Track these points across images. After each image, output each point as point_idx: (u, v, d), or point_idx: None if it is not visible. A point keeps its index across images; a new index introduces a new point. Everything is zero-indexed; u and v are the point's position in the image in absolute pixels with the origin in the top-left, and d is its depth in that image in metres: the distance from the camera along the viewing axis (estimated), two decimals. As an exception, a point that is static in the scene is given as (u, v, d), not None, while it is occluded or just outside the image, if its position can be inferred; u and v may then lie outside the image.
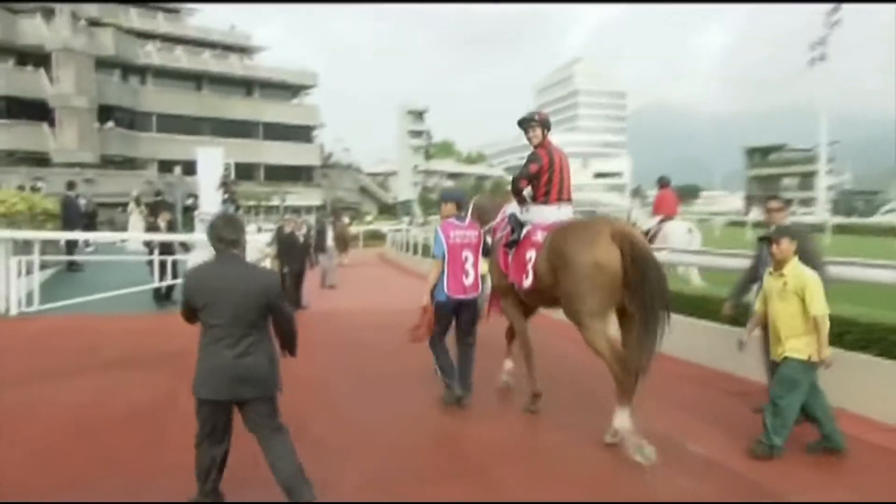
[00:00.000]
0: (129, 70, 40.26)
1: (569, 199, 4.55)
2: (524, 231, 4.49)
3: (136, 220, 16.41)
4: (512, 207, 4.83)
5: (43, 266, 9.64)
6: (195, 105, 42.14)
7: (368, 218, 37.93)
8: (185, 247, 10.22)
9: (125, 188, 24.99)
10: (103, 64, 37.16)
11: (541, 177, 4.47)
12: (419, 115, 64.58)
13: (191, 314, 2.94)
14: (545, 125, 4.58)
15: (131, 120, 39.67)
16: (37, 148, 34.56)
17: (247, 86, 45.82)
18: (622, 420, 3.73)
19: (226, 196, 13.11)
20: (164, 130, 40.56)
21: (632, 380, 3.73)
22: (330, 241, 13.79)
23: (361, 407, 4.74)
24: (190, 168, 32.13)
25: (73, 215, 11.75)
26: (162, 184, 31.95)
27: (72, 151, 34.37)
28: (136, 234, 13.58)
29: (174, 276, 9.42)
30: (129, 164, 38.40)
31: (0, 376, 5.44)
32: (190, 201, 18.82)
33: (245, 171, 36.84)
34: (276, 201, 35.64)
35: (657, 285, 3.63)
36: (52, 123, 34.72)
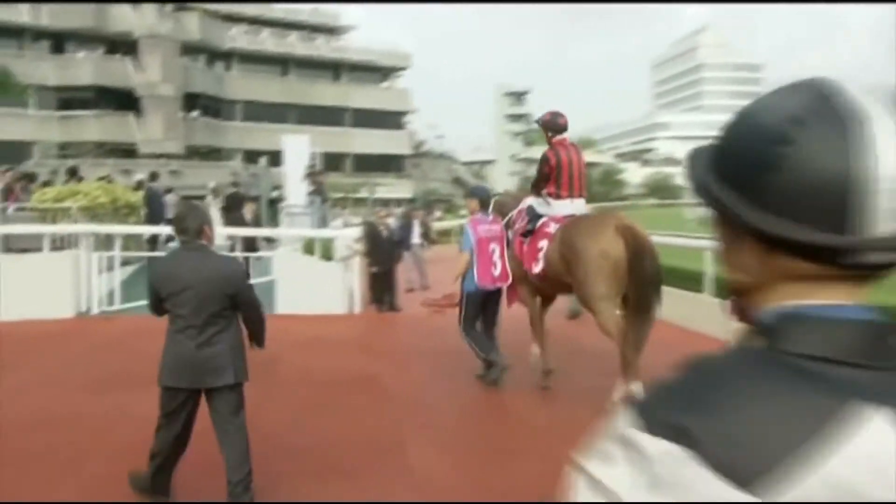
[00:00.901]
0: (215, 55, 42.52)
1: (581, 195, 5.31)
2: (539, 222, 5.35)
3: (213, 214, 16.99)
4: (531, 200, 5.60)
5: (124, 262, 10.00)
6: (281, 91, 43.85)
7: (463, 211, 37.75)
8: (270, 242, 10.31)
9: (211, 180, 26.11)
10: (189, 50, 39.45)
11: (552, 175, 5.30)
12: (519, 96, 63.86)
13: (158, 305, 3.26)
14: (549, 127, 5.38)
15: (216, 108, 41.88)
16: (124, 139, 37.24)
17: (334, 69, 47.13)
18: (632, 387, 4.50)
19: (312, 188, 13.23)
20: (250, 119, 42.50)
21: (638, 357, 4.55)
22: (417, 237, 13.39)
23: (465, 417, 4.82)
24: (276, 158, 33.34)
25: (157, 208, 12.20)
26: (247, 175, 33.37)
27: (157, 142, 36.72)
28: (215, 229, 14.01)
29: (258, 275, 9.45)
30: (214, 154, 40.56)
31: (81, 382, 5.53)
32: (275, 193, 19.32)
33: (332, 162, 37.81)
34: (364, 193, 36.29)
35: (651, 273, 4.54)
36: (138, 113, 37.29)
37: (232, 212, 10.63)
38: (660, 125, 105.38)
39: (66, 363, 6.31)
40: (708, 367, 0.55)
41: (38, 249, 8.52)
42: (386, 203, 36.58)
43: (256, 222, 10.06)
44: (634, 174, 70.78)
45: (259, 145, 37.47)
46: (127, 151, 36.62)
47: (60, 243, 8.95)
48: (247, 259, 9.34)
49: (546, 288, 5.44)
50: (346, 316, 8.86)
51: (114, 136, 37.55)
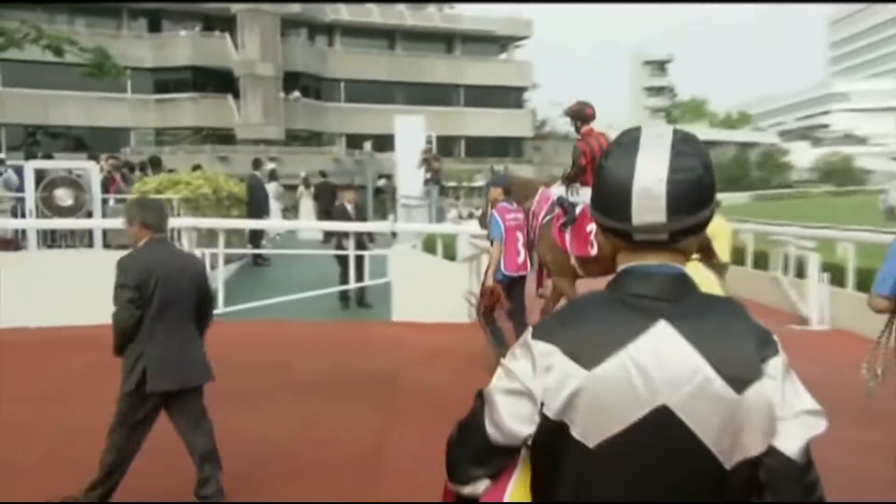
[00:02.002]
0: (316, 29, 43.94)
1: None
2: (578, 210, 6.24)
3: (306, 204, 17.28)
4: (557, 191, 6.51)
5: (227, 260, 10.29)
6: (388, 68, 44.62)
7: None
8: (372, 238, 10.28)
9: (312, 167, 26.91)
10: (288, 24, 40.91)
11: (589, 167, 6.20)
12: (660, 66, 61.61)
13: (131, 304, 3.41)
14: (577, 117, 6.38)
15: (317, 88, 43.27)
16: (221, 123, 39.21)
17: (447, 41, 47.42)
18: None
19: (428, 175, 13.18)
20: (354, 99, 43.57)
21: None
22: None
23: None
24: (382, 143, 33.88)
25: (261, 200, 12.51)
26: (351, 162, 34.29)
27: (256, 126, 38.38)
28: (309, 222, 14.21)
29: (373, 276, 9.51)
30: (314, 139, 41.98)
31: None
32: (381, 182, 19.51)
33: (443, 146, 38.03)
34: (479, 181, 36.19)
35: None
36: (236, 95, 39.17)
37: (323, 203, 10.70)
38: (835, 96, 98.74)
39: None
40: (575, 303, 1.23)
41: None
42: (503, 192, 36.28)
43: (360, 215, 10.00)
44: (803, 155, 66.75)
45: (363, 129, 38.38)
46: (224, 137, 38.56)
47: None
48: (359, 258, 9.39)
49: (592, 271, 6.40)
50: (472, 325, 8.52)
51: (211, 120, 39.63)
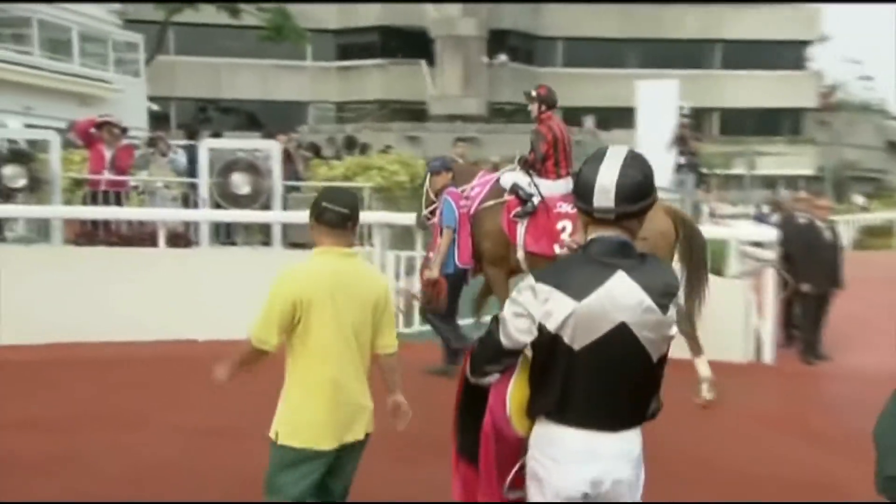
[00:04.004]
0: (529, -25, 44.20)
1: (570, 173, 7.49)
2: (536, 202, 7.42)
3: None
4: (515, 178, 7.58)
5: (426, 266, 10.37)
6: (620, 22, 43.84)
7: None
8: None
9: (515, 149, 26.97)
10: (493, -31, 41.40)
11: (549, 153, 7.49)
12: None
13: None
14: (546, 102, 7.65)
15: (529, 50, 43.56)
16: (412, 95, 40.55)
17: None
18: (704, 368, 7.19)
19: (682, 160, 12.60)
20: (574, 63, 43.38)
21: (696, 332, 7.14)
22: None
23: None
24: (607, 118, 33.26)
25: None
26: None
27: (454, 99, 39.21)
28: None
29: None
30: (521, 114, 42.03)
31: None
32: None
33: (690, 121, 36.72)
34: (739, 169, 34.46)
35: (702, 250, 7.30)
36: (431, 61, 40.35)
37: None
38: None
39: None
40: (562, 260, 3.03)
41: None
42: (771, 183, 34.41)
43: None
44: None
45: (583, 100, 37.98)
46: (414, 112, 39.84)
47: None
48: None
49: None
50: (751, 367, 8.43)
51: (400, 91, 41.11)
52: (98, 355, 8.11)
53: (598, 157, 2.54)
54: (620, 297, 2.46)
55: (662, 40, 43.47)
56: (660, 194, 11.76)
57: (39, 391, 7.15)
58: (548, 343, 2.49)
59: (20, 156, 9.80)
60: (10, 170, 9.49)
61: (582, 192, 2.54)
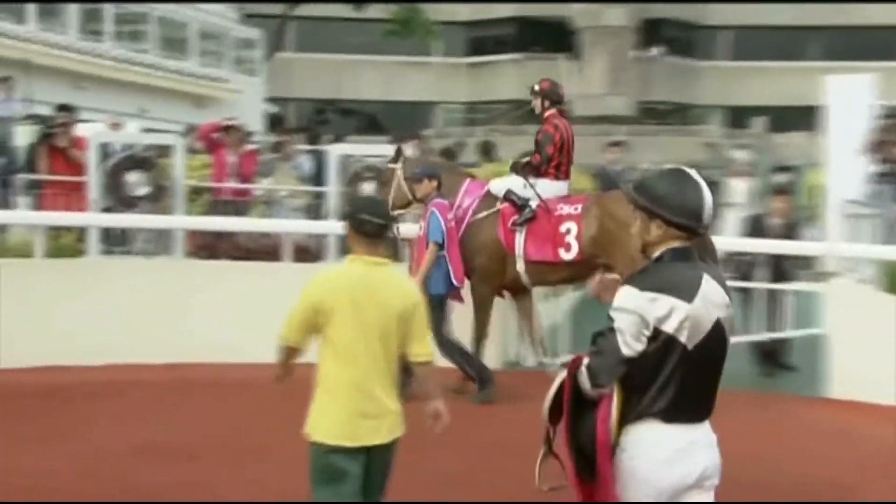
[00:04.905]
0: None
1: (568, 175, 8.31)
2: (534, 206, 7.85)
3: None
4: (502, 183, 8.12)
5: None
6: (795, 8, 42.55)
7: None
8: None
9: (669, 155, 26.62)
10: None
11: (554, 155, 7.93)
12: None
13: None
14: (548, 97, 8.14)
15: (688, 41, 42.89)
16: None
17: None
18: None
19: (879, 168, 12.10)
20: (741, 56, 42.48)
21: None
22: None
23: None
24: (782, 118, 32.31)
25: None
26: (731, 147, 33.24)
27: (598, 98, 38.90)
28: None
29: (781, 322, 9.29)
30: (677, 115, 41.54)
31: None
32: (783, 178, 18.63)
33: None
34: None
35: (712, 245, 6.89)
36: (573, 55, 40.22)
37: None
38: None
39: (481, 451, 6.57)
40: (648, 269, 3.07)
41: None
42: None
43: (788, 232, 9.55)
44: None
45: (752, 98, 37.19)
46: (552, 113, 39.75)
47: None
48: (773, 295, 9.10)
49: (572, 275, 8.03)
50: None
51: (536, 90, 41.05)
52: (220, 377, 8.44)
53: (684, 176, 3.09)
54: (712, 296, 2.95)
55: (849, 27, 41.95)
56: (853, 208, 11.31)
57: (158, 414, 7.43)
58: (661, 346, 2.88)
59: (143, 162, 10.26)
60: (132, 177, 9.98)
61: (691, 212, 2.99)
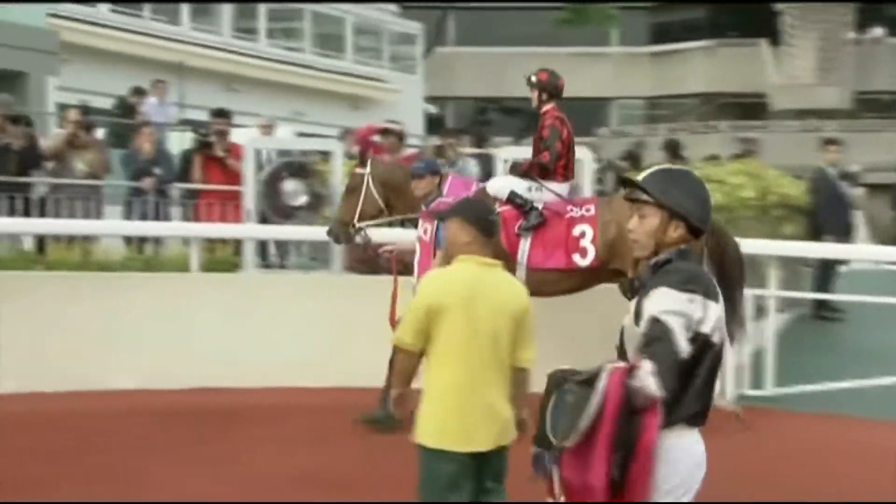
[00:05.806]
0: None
1: (573, 175, 8.39)
2: (541, 209, 7.82)
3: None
4: (503, 183, 8.12)
5: (780, 307, 10.22)
6: None
7: None
8: None
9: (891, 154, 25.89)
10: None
11: (563, 153, 7.98)
12: None
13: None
14: (545, 89, 8.13)
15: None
16: (748, 86, 39.43)
17: None
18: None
19: None
20: None
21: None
22: None
23: None
24: None
25: (833, 208, 12.30)
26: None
27: (805, 88, 37.80)
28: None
29: None
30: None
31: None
32: None
33: None
34: None
35: (736, 255, 7.26)
36: (775, 40, 39.18)
37: None
38: None
39: None
40: (680, 269, 3.20)
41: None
42: None
43: None
44: None
45: None
46: (749, 107, 38.88)
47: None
48: None
49: (579, 284, 7.97)
50: None
51: (731, 81, 40.18)
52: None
53: (694, 176, 3.44)
54: (718, 296, 3.19)
55: None
56: None
57: (322, 442, 7.69)
58: (698, 348, 3.06)
59: (301, 169, 10.62)
60: (290, 185, 10.36)
61: (708, 215, 3.31)
